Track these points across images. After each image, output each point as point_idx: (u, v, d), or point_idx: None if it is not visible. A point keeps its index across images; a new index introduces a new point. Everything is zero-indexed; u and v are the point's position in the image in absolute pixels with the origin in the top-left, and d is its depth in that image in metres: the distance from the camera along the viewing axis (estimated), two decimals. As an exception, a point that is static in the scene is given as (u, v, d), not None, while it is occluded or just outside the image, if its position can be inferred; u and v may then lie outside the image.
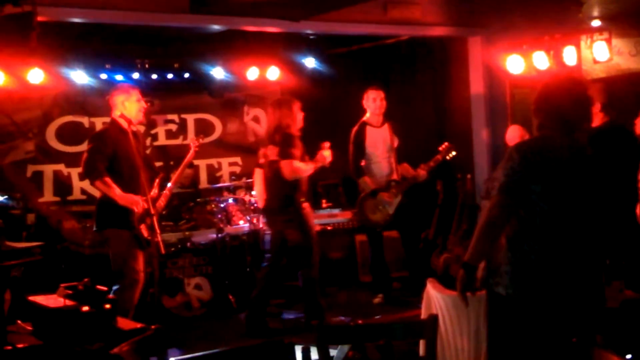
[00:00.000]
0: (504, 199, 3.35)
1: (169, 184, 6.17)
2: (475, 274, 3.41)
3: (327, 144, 6.62)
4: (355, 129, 7.30)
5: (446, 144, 7.35)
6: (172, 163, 6.60)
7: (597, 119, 5.53)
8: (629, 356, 4.16)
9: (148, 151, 8.64)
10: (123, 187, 5.65)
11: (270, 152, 6.45)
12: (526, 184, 3.31)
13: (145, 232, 5.64)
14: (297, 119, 6.55)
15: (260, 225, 7.70)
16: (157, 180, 6.09)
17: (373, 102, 7.28)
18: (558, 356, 3.35)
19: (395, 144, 7.35)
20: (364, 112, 7.37)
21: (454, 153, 7.30)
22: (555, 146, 3.38)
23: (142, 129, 8.32)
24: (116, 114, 5.84)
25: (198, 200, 7.88)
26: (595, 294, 3.41)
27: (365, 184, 7.20)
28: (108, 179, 5.64)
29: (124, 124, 5.74)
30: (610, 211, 3.51)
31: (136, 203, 5.64)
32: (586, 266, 3.36)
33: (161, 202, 6.03)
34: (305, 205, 6.46)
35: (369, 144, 7.24)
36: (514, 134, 6.64)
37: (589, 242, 3.37)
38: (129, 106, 5.86)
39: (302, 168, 6.37)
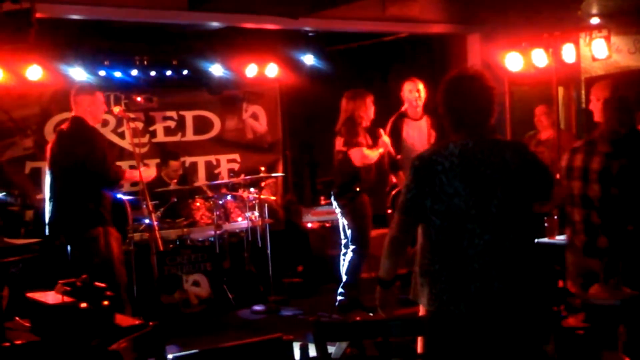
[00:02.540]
0: (401, 218, 3.33)
1: None
2: (392, 288, 3.43)
3: (382, 130, 6.89)
4: (392, 119, 7.12)
5: None
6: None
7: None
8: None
9: (146, 148, 8.70)
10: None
11: (337, 143, 6.88)
12: (420, 199, 3.24)
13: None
14: (369, 111, 6.86)
15: (260, 222, 7.71)
16: None
17: (410, 94, 7.11)
18: None
19: (433, 138, 7.13)
20: (401, 104, 7.20)
21: None
22: (446, 154, 3.24)
23: (140, 125, 8.34)
24: (79, 113, 5.96)
25: (196, 197, 7.88)
26: (517, 301, 3.21)
27: (400, 179, 7.00)
28: (121, 172, 6.15)
29: (91, 122, 5.95)
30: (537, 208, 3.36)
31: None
32: (501, 271, 3.18)
33: None
34: (363, 196, 6.80)
35: (406, 137, 7.07)
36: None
37: (496, 249, 3.18)
38: (94, 110, 6.02)
39: (369, 155, 6.77)
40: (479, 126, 3.32)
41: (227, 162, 9.59)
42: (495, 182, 3.21)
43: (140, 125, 8.44)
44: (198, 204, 7.64)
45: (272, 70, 9.15)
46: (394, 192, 7.11)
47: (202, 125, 9.43)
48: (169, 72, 8.90)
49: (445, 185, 3.20)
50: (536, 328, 3.35)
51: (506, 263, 3.19)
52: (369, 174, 6.85)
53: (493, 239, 3.18)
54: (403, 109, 7.16)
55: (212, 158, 9.51)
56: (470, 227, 3.18)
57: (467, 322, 3.19)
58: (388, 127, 7.10)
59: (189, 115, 9.37)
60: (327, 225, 8.56)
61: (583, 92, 8.67)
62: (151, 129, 9.09)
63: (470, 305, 3.17)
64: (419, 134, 7.15)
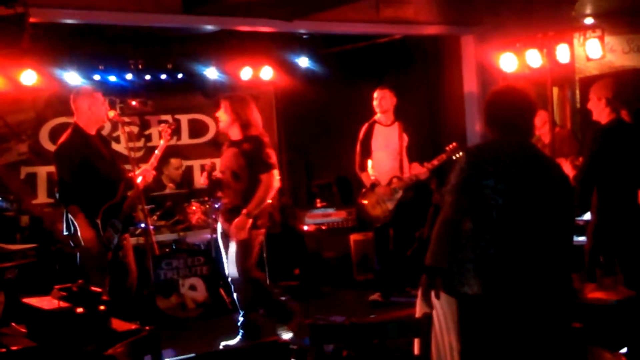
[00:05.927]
0: (456, 198, 3.42)
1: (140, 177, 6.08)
2: (439, 276, 3.43)
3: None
4: (364, 127, 7.30)
5: (454, 144, 7.17)
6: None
7: (604, 115, 5.44)
8: (624, 350, 4.17)
9: (141, 152, 8.67)
10: (98, 192, 5.60)
11: None
12: (477, 179, 3.37)
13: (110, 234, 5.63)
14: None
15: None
16: (122, 185, 5.90)
17: (375, 101, 7.28)
18: (531, 352, 3.35)
19: (405, 143, 7.26)
20: (372, 111, 7.34)
21: (460, 154, 7.16)
22: (504, 145, 3.47)
23: (135, 129, 8.35)
24: (80, 118, 5.76)
25: (192, 200, 7.87)
26: (558, 286, 3.41)
27: (367, 178, 7.18)
28: (74, 208, 5.53)
29: (89, 128, 5.74)
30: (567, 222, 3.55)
31: (90, 242, 5.52)
32: (545, 259, 3.36)
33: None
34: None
35: (375, 143, 7.20)
36: (541, 119, 6.78)
37: (547, 238, 3.38)
38: (95, 110, 5.80)
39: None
40: (526, 132, 3.56)
41: (222, 166, 9.57)
42: (545, 176, 3.43)
43: (135, 129, 8.46)
44: (194, 207, 7.62)
45: (267, 73, 9.15)
46: (362, 191, 7.17)
47: (197, 129, 9.43)
48: (163, 76, 8.90)
49: (509, 166, 3.36)
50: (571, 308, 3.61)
51: (559, 248, 3.40)
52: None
53: (550, 223, 3.37)
54: (376, 117, 7.28)
55: (207, 161, 9.46)
56: (523, 214, 3.34)
57: (523, 304, 3.33)
58: (360, 133, 7.24)
59: (184, 118, 9.37)
60: (323, 227, 8.55)
61: (577, 91, 8.70)
62: (146, 133, 9.08)
63: (528, 287, 3.32)
64: (390, 139, 7.24)
